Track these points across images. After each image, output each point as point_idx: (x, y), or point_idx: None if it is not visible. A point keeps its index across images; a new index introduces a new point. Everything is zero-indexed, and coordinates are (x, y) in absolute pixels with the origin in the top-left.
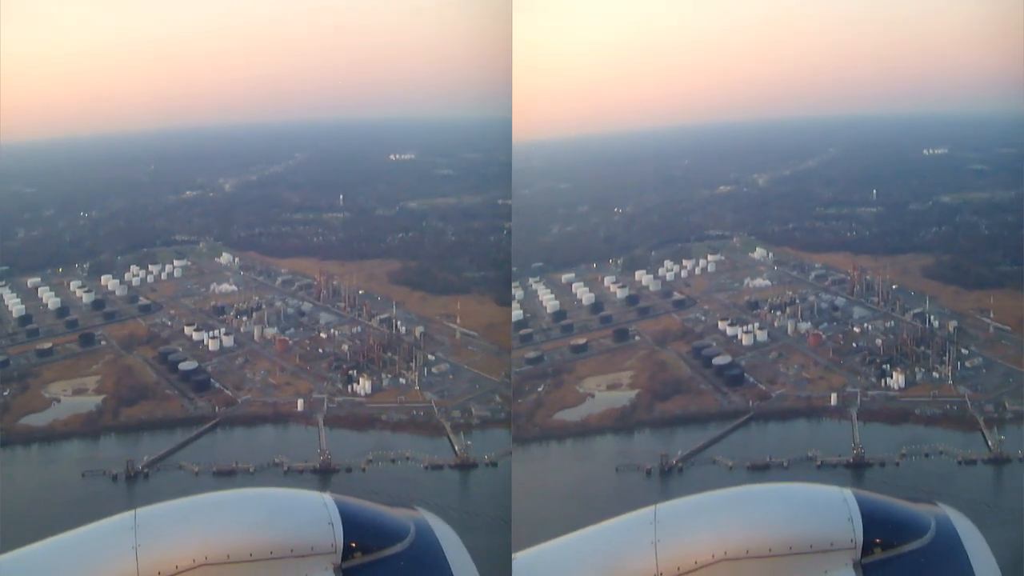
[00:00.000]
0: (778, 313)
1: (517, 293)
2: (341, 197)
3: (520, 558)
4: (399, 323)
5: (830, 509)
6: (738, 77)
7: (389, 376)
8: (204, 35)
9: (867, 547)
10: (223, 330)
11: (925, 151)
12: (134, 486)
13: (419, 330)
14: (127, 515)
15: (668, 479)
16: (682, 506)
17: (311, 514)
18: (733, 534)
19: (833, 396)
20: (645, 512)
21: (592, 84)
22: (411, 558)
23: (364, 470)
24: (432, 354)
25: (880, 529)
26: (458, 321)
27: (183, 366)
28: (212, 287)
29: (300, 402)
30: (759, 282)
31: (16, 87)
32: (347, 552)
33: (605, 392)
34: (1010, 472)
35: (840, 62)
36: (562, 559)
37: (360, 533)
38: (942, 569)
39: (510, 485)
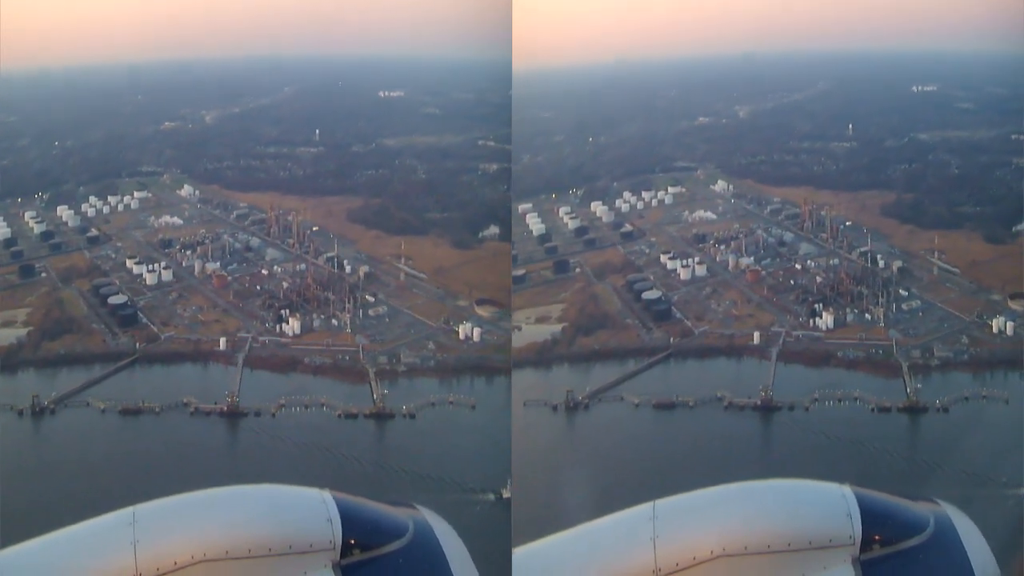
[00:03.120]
0: (722, 247)
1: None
2: (317, 132)
3: (519, 554)
4: (345, 262)
5: (829, 505)
6: (737, 8)
7: (322, 317)
8: None
9: (866, 544)
10: (163, 264)
11: (914, 88)
12: (39, 422)
13: (363, 270)
14: (125, 511)
15: (573, 415)
16: (681, 502)
17: (310, 511)
18: (732, 530)
19: (756, 335)
20: (644, 508)
21: (592, 13)
22: (410, 555)
23: (274, 415)
24: (372, 296)
25: (879, 526)
26: (403, 262)
27: (112, 300)
28: (162, 219)
29: (223, 340)
30: (701, 214)
31: (9, 15)
32: (346, 549)
33: (533, 325)
34: (926, 422)
35: None
36: (561, 555)
37: (359, 530)
38: (941, 566)
39: (422, 440)
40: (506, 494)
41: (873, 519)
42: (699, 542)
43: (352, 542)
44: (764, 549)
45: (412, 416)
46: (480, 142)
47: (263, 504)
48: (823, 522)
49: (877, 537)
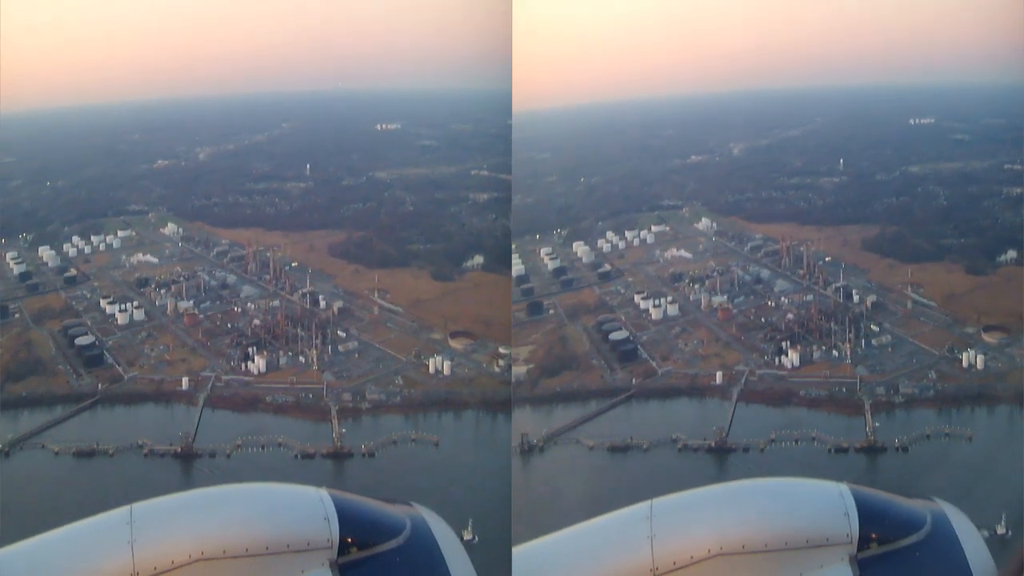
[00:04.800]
0: (696, 286)
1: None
2: (308, 167)
3: (518, 553)
4: (320, 297)
5: (826, 504)
6: (738, 47)
7: (290, 354)
8: (205, 3)
9: (863, 542)
10: (135, 303)
11: (911, 121)
12: None
13: (337, 305)
14: (122, 510)
15: (527, 458)
16: (678, 501)
17: (307, 509)
18: (729, 529)
19: (718, 375)
20: (641, 507)
21: (593, 55)
22: (407, 553)
23: (229, 456)
24: (344, 331)
25: (876, 524)
26: (376, 296)
27: (79, 341)
28: (135, 258)
29: (185, 380)
30: (674, 252)
31: (12, 59)
32: (343, 547)
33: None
34: (884, 462)
35: (843, 32)
36: (559, 554)
37: (356, 528)
38: (937, 564)
39: (379, 480)
40: (467, 536)
41: (870, 517)
42: (696, 541)
43: (350, 540)
44: (761, 548)
45: (371, 455)
46: (474, 172)
47: (261, 503)
48: (820, 521)
49: (874, 535)
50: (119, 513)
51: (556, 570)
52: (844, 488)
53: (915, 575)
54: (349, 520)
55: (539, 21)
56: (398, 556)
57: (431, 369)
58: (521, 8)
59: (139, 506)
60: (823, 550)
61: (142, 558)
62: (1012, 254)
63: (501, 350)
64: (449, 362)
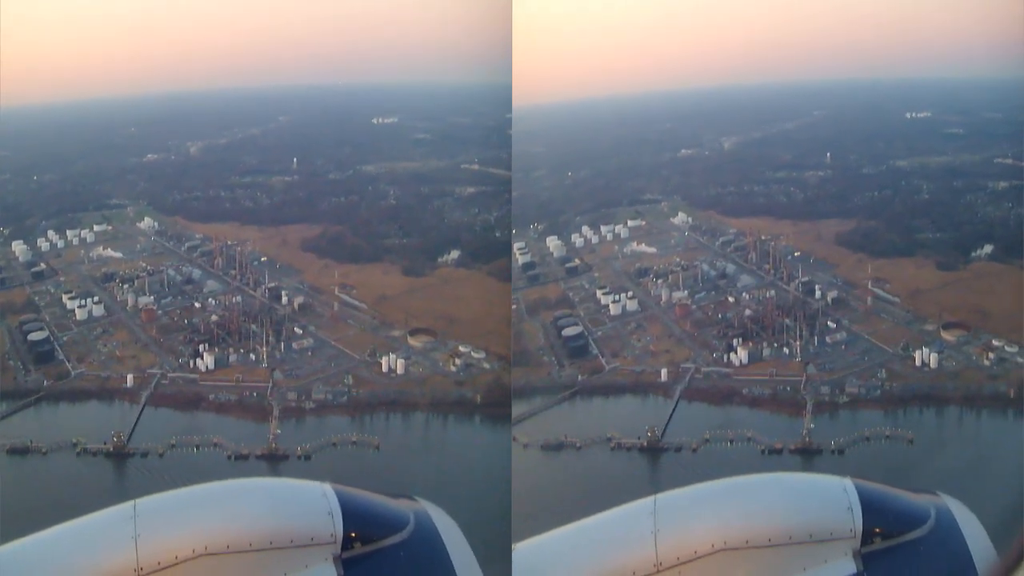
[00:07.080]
0: (659, 281)
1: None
2: (295, 160)
3: (520, 549)
4: (283, 293)
5: (830, 499)
6: (740, 41)
7: (241, 351)
8: None
9: (867, 536)
10: (95, 298)
11: (908, 115)
12: None
13: (298, 301)
14: (127, 505)
15: None
16: (682, 496)
17: (311, 504)
18: (733, 524)
19: (663, 372)
20: (645, 502)
21: (594, 49)
22: (411, 548)
23: (161, 455)
24: (300, 327)
25: (880, 518)
26: (337, 290)
27: (32, 336)
28: (96, 252)
29: (130, 378)
30: (634, 247)
31: (10, 54)
32: (347, 542)
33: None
34: (818, 465)
35: (845, 26)
36: (562, 550)
37: (360, 523)
38: (941, 558)
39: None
40: None
41: (874, 512)
42: (700, 536)
43: (353, 535)
44: (765, 543)
45: (307, 457)
46: (463, 166)
47: (264, 498)
48: (824, 516)
49: (878, 530)
50: (123, 508)
51: (559, 565)
52: (848, 483)
53: (919, 569)
54: (353, 515)
55: (539, 15)
56: (402, 550)
57: (384, 368)
58: (521, 2)
59: (143, 501)
60: (827, 545)
61: (146, 553)
62: (986, 249)
63: (460, 348)
64: (403, 360)
